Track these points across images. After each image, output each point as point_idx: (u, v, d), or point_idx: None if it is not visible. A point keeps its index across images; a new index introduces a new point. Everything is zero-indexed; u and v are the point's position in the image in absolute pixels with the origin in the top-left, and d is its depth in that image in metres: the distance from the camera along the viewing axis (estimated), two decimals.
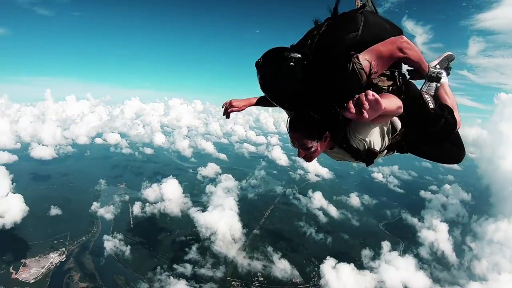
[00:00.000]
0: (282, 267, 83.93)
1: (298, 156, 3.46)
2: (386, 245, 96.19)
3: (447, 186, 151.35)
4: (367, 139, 3.54)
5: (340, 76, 3.17)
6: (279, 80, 3.13)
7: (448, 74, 4.70)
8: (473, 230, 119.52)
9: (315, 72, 3.16)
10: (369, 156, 3.66)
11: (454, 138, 4.28)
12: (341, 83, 3.19)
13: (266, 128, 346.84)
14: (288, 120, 3.35)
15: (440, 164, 5.01)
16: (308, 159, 3.51)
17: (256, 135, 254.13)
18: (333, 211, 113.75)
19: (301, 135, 3.25)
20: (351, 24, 3.38)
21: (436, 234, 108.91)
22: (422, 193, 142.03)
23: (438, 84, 4.36)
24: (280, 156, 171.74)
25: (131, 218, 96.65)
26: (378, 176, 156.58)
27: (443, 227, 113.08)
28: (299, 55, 3.16)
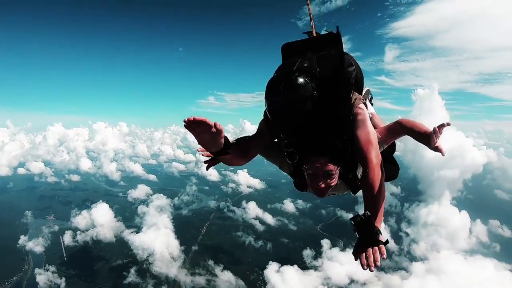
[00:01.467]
0: (226, 279, 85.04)
1: (318, 188, 3.22)
2: (326, 243, 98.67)
3: None
4: None
5: (342, 106, 3.42)
6: (298, 105, 3.19)
7: (372, 104, 5.25)
8: (406, 216, 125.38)
9: (324, 100, 3.32)
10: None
11: (391, 158, 4.66)
12: (343, 113, 3.41)
13: (194, 146, 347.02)
14: (311, 146, 3.19)
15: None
16: (325, 191, 3.27)
17: (185, 154, 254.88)
18: (269, 218, 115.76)
19: (328, 160, 3.13)
20: (346, 59, 3.60)
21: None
22: None
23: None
24: (210, 172, 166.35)
25: (63, 249, 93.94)
26: None
27: None
28: (313, 84, 3.32)
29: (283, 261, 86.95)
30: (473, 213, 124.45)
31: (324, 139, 3.18)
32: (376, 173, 3.04)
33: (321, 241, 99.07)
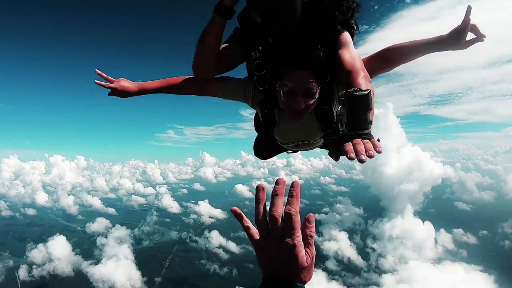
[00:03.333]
0: None
1: (296, 107, 2.82)
2: None
3: (338, 205, 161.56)
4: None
5: (329, 17, 3.02)
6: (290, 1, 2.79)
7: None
8: (371, 232, 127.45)
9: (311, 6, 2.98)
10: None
11: None
12: (329, 26, 3.06)
13: (154, 179, 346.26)
14: (293, 57, 2.73)
15: (333, 160, 4.46)
16: (303, 113, 2.92)
17: (144, 187, 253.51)
18: (233, 247, 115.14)
19: (311, 75, 2.73)
20: None
21: (338, 243, 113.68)
22: (317, 216, 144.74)
23: None
24: (171, 204, 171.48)
25: (19, 285, 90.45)
26: None
27: (343, 236, 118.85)
28: None
29: (250, 286, 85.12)
30: (436, 224, 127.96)
31: (308, 50, 2.76)
32: (367, 79, 2.79)
33: None
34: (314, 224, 1.53)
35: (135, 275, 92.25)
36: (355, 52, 3.04)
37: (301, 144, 3.68)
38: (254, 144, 4.42)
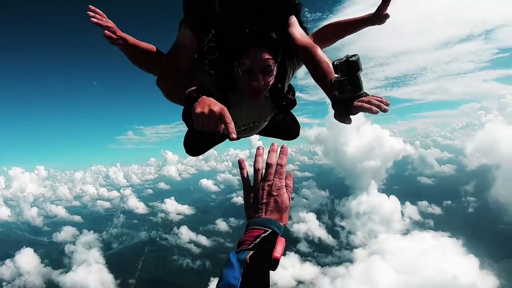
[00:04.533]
0: None
1: (255, 86, 2.83)
2: None
3: (304, 190, 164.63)
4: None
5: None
6: None
7: None
8: (339, 211, 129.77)
9: None
10: (289, 105, 3.50)
11: (291, 114, 4.31)
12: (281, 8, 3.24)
13: (118, 183, 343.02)
14: (251, 35, 2.81)
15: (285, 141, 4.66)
16: (261, 90, 2.91)
17: (109, 191, 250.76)
18: (204, 240, 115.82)
19: (268, 52, 2.79)
20: None
21: (307, 224, 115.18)
22: None
23: None
24: (137, 205, 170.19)
25: None
26: (238, 200, 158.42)
27: (312, 217, 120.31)
28: None
29: None
30: (401, 198, 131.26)
31: (265, 29, 2.87)
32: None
33: None
34: (293, 180, 1.99)
35: (108, 278, 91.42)
36: (302, 31, 3.27)
37: (249, 127, 3.79)
38: (184, 141, 4.29)
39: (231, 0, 3.11)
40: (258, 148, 2.04)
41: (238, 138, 3.99)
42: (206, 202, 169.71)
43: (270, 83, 2.94)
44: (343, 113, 2.17)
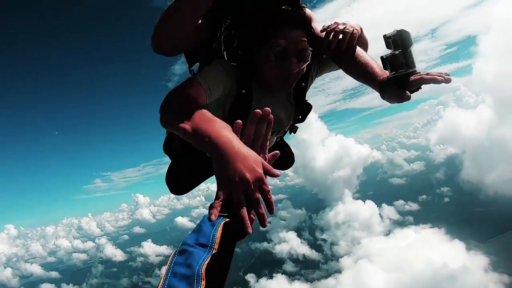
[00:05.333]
0: None
1: (291, 70, 2.33)
2: (251, 277, 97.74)
3: (280, 211, 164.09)
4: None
5: None
6: None
7: None
8: (318, 225, 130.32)
9: None
10: (308, 111, 3.10)
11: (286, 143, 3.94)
12: None
13: (91, 233, 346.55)
14: (285, 13, 2.36)
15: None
16: (295, 77, 2.46)
17: (83, 243, 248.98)
18: None
19: (304, 34, 2.37)
20: None
21: (289, 243, 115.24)
22: (261, 228, 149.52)
23: None
24: (114, 253, 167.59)
25: None
26: None
27: (292, 235, 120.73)
28: None
29: None
30: (377, 201, 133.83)
31: (299, 7, 2.50)
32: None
33: (245, 277, 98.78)
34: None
35: None
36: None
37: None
38: (167, 177, 3.61)
39: None
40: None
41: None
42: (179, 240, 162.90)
43: (303, 71, 2.47)
44: (400, 90, 2.14)
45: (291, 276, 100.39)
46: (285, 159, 3.86)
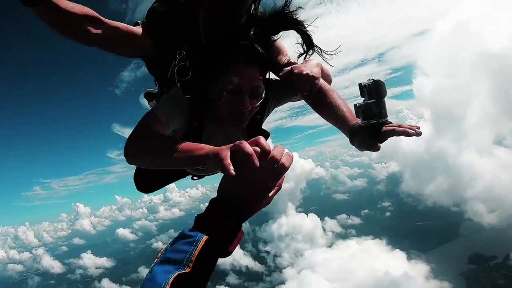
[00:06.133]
0: None
1: (241, 108, 2.34)
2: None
3: None
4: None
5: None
6: None
7: None
8: (261, 238, 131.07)
9: None
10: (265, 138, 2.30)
11: None
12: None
13: (28, 243, 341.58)
14: (241, 49, 2.30)
15: None
16: (247, 116, 2.45)
17: (20, 253, 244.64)
18: None
19: (258, 71, 2.34)
20: None
21: (232, 255, 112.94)
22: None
23: None
24: (52, 264, 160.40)
25: None
26: (158, 245, 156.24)
27: None
28: None
29: None
30: (320, 215, 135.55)
31: (256, 44, 2.37)
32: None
33: None
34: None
35: None
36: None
37: None
38: (135, 176, 3.70)
39: (217, 8, 2.42)
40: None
41: (201, 177, 3.56)
42: (126, 252, 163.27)
43: (255, 109, 2.47)
44: (371, 140, 2.15)
45: None
46: None
